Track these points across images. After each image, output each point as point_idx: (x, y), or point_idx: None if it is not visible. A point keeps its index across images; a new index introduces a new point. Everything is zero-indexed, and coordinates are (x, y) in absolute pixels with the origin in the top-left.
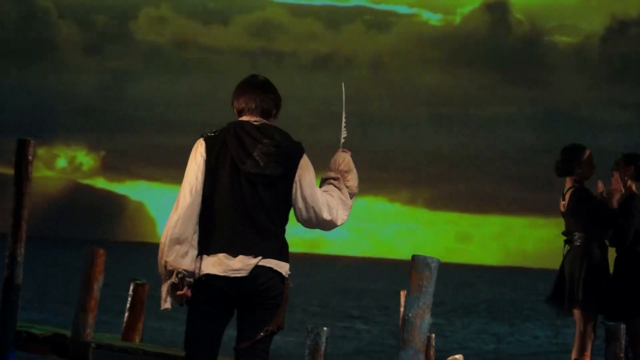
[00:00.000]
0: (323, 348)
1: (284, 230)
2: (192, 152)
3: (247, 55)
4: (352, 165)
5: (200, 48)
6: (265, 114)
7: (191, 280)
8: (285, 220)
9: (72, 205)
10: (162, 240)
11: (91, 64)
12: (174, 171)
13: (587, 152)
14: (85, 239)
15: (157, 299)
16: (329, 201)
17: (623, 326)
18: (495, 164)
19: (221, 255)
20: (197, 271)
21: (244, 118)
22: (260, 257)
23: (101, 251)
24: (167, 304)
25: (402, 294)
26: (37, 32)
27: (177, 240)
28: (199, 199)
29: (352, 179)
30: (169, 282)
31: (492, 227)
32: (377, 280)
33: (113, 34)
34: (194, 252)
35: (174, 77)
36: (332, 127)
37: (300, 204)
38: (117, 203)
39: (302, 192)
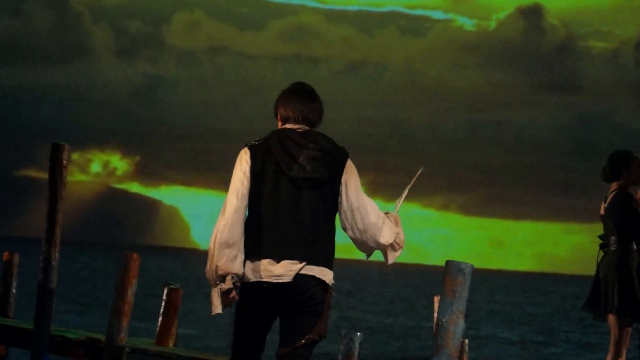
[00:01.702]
0: (356, 354)
1: (332, 235)
2: (237, 160)
3: (281, 60)
4: (400, 225)
5: (233, 53)
6: (310, 123)
7: (239, 284)
8: (332, 224)
9: (106, 209)
10: (211, 245)
11: (125, 68)
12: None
13: (636, 158)
14: (119, 244)
15: (191, 304)
16: (379, 211)
17: None
18: (529, 169)
19: (265, 261)
20: (243, 276)
21: (288, 126)
22: (304, 263)
23: (135, 256)
24: (218, 309)
25: (436, 299)
26: (71, 37)
27: (226, 244)
28: (245, 203)
29: (401, 233)
30: (220, 286)
31: (525, 233)
32: (411, 285)
33: (146, 39)
34: (242, 256)
35: (208, 82)
36: (365, 130)
37: (346, 206)
38: (151, 208)
39: (347, 194)
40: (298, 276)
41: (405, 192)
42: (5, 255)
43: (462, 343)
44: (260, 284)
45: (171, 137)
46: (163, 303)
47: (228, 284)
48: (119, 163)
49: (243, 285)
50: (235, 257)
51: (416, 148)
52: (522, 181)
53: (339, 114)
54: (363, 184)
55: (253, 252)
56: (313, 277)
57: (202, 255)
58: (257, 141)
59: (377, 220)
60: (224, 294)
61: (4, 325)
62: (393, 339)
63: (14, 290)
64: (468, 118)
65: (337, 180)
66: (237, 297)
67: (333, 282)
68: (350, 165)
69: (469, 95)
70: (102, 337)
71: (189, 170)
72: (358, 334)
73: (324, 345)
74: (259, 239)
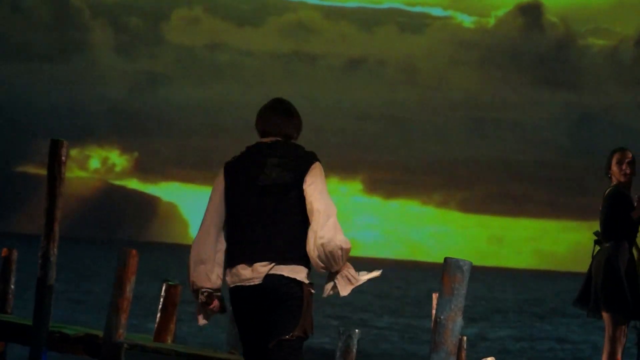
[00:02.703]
0: (354, 350)
1: (303, 236)
2: (215, 179)
3: (280, 57)
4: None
5: (232, 50)
6: (286, 137)
7: (219, 294)
8: (301, 225)
9: (104, 206)
10: (188, 262)
11: (123, 65)
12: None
13: (616, 155)
14: (118, 240)
15: (189, 301)
16: (334, 217)
17: None
18: (528, 167)
19: (239, 267)
20: (226, 284)
21: (263, 140)
22: (274, 264)
23: (134, 252)
24: (202, 320)
25: (434, 296)
26: (70, 33)
27: (200, 261)
28: (217, 219)
29: (352, 269)
30: (199, 299)
31: (524, 231)
32: (409, 282)
33: (145, 35)
34: (219, 269)
35: (207, 79)
36: (364, 128)
37: (307, 207)
38: (149, 204)
39: (307, 195)
40: (267, 277)
41: (363, 278)
42: (4, 251)
43: (460, 340)
44: (236, 289)
45: (170, 133)
46: (161, 299)
47: (202, 298)
48: (118, 159)
49: (229, 290)
50: (211, 271)
51: (415, 145)
52: (521, 178)
53: (337, 110)
54: (362, 180)
55: (230, 260)
56: (282, 275)
57: None
58: (232, 159)
59: (325, 211)
60: (203, 306)
61: (2, 322)
62: (391, 336)
63: (12, 287)
64: (467, 115)
65: (302, 182)
66: (217, 309)
67: (310, 280)
68: (315, 168)
69: (468, 92)
70: (101, 333)
71: (188, 166)
72: (356, 330)
73: (322, 342)
74: (234, 247)
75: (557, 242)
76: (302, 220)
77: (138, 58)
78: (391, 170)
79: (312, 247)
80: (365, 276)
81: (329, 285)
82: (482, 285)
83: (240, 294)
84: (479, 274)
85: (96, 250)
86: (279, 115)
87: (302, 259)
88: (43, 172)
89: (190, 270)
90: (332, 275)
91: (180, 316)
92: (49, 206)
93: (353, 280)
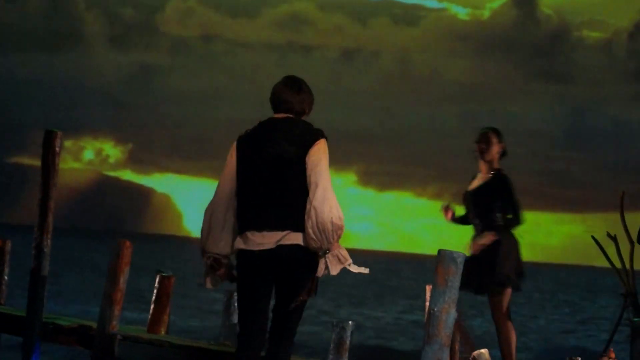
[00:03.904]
0: (348, 342)
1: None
2: (229, 151)
3: (274, 48)
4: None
5: (227, 41)
6: (297, 113)
7: (227, 261)
8: (307, 197)
9: (98, 197)
10: (201, 230)
11: (117, 56)
12: (201, 164)
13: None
14: (112, 231)
15: (183, 292)
16: (332, 193)
17: None
18: (522, 159)
19: (249, 233)
20: (235, 250)
21: (275, 116)
22: (287, 232)
23: (127, 243)
24: (207, 284)
25: (428, 288)
26: (64, 23)
27: (211, 227)
28: (229, 189)
29: (344, 250)
30: (205, 263)
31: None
32: (403, 274)
33: (139, 27)
34: (228, 236)
35: (201, 70)
36: (358, 119)
37: (308, 181)
38: (143, 195)
39: (309, 169)
40: (282, 246)
41: (352, 268)
42: None
43: (454, 332)
44: (246, 252)
45: (164, 125)
46: (155, 291)
47: (209, 262)
48: (112, 151)
49: (237, 257)
50: (220, 238)
51: (409, 137)
52: (515, 171)
53: (331, 102)
54: (355, 172)
55: (241, 226)
56: (298, 245)
57: (195, 243)
58: (245, 131)
59: (322, 187)
60: (210, 271)
61: None
62: (385, 328)
63: (6, 278)
64: (461, 107)
65: (306, 156)
66: (224, 276)
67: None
68: (319, 143)
69: (462, 84)
70: (94, 325)
71: (182, 158)
72: (350, 322)
73: (316, 335)
74: (244, 214)
75: (551, 235)
76: (307, 192)
77: (132, 49)
78: (385, 162)
79: (306, 218)
80: (354, 268)
81: (322, 265)
82: None
83: (249, 258)
84: None
85: (90, 241)
86: (289, 91)
87: None
88: (37, 163)
89: (201, 237)
90: (323, 255)
91: (174, 308)
92: (42, 197)
93: (343, 260)
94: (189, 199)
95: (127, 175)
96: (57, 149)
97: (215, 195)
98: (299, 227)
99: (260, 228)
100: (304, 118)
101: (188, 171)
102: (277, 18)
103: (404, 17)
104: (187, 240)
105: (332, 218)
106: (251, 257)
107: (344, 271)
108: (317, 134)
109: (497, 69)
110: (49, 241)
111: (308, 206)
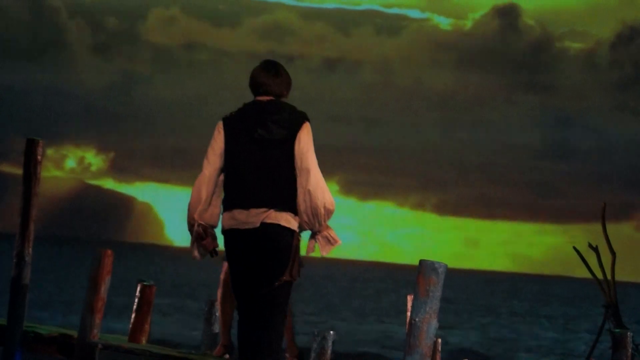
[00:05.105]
0: (329, 351)
1: (295, 188)
2: (215, 130)
3: (256, 57)
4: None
5: (209, 50)
6: (276, 95)
7: (213, 232)
8: (294, 179)
9: (80, 205)
10: (189, 202)
11: (100, 64)
12: (183, 173)
13: None
14: (93, 240)
15: (164, 303)
16: (320, 177)
17: (630, 334)
18: (504, 169)
19: (236, 211)
20: (221, 226)
21: (258, 98)
22: (271, 210)
23: (109, 252)
24: (195, 253)
25: (409, 298)
26: (47, 32)
27: (197, 201)
28: (216, 167)
29: (332, 231)
30: (193, 232)
31: (500, 233)
32: (384, 284)
33: (122, 35)
34: (214, 209)
35: (183, 78)
36: (340, 129)
37: (296, 163)
38: (125, 204)
39: (296, 151)
40: (265, 225)
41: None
42: None
43: (435, 342)
44: (232, 231)
45: (146, 133)
46: (136, 300)
47: (197, 230)
48: (94, 159)
49: (223, 234)
50: (206, 210)
51: (391, 147)
52: (497, 181)
53: (313, 111)
54: (337, 182)
55: (227, 204)
56: (279, 225)
57: (176, 252)
58: (231, 113)
59: (315, 178)
60: (197, 240)
61: None
62: (366, 338)
63: None
64: (443, 117)
65: (294, 139)
66: (210, 246)
67: (299, 229)
68: (305, 127)
69: (444, 94)
70: (75, 334)
71: (163, 167)
72: (331, 332)
73: (297, 345)
74: (231, 193)
75: (532, 245)
76: (294, 174)
77: (115, 57)
78: (367, 172)
79: (301, 201)
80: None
81: (311, 245)
82: (457, 287)
83: (235, 237)
84: (455, 276)
85: (71, 249)
86: (268, 75)
87: (294, 209)
88: (18, 171)
89: (190, 208)
90: (313, 235)
91: (155, 317)
92: (24, 205)
93: (332, 241)
94: (171, 207)
95: (109, 183)
96: (38, 157)
97: (204, 169)
98: (282, 206)
99: (247, 206)
100: (282, 100)
101: (169, 180)
102: (260, 27)
103: (387, 27)
104: (168, 249)
105: (325, 203)
106: (237, 236)
107: (326, 281)
108: (303, 117)
109: (480, 79)
110: (30, 250)
111: (301, 190)
